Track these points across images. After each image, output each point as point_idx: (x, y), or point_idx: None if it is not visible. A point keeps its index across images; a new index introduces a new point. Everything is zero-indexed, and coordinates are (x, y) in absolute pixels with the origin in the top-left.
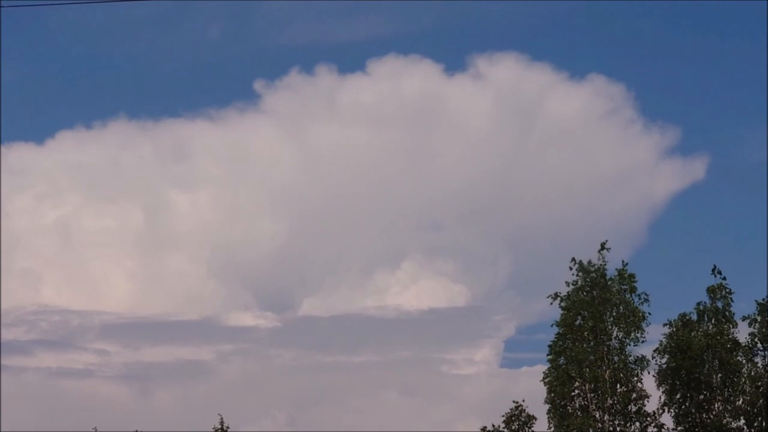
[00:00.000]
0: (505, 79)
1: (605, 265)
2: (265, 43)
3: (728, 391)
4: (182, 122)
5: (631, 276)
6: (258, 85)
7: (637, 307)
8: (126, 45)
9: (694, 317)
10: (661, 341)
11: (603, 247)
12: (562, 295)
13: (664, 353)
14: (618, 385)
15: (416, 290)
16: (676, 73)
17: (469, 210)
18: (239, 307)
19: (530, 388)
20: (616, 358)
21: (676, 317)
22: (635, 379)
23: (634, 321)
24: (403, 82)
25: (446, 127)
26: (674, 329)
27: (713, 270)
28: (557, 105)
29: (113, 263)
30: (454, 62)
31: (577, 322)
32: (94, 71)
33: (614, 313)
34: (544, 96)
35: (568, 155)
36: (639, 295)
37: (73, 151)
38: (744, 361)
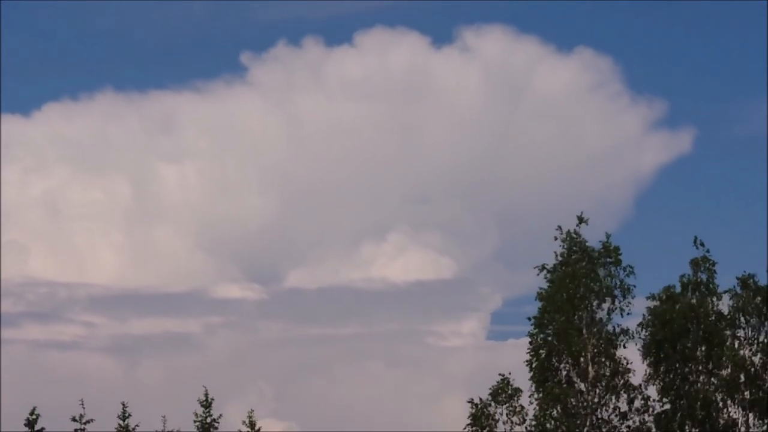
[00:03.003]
0: (493, 52)
1: (584, 239)
2: (252, 14)
3: (712, 364)
4: (169, 94)
5: (616, 249)
6: (245, 58)
7: (622, 280)
8: (112, 16)
9: (678, 290)
10: (644, 315)
11: (581, 220)
12: (548, 267)
13: (648, 326)
14: (603, 358)
15: (403, 262)
16: (663, 46)
17: (456, 183)
18: (226, 280)
19: (517, 360)
20: (596, 330)
21: (660, 290)
22: (618, 351)
23: (618, 294)
24: (390, 54)
25: (433, 100)
26: (657, 302)
27: (695, 241)
28: (545, 78)
29: (100, 236)
30: (441, 35)
31: (562, 295)
32: (81, 43)
33: (598, 287)
34: (532, 69)
35: (555, 128)
36: (624, 268)
37: (59, 123)
38: (728, 334)
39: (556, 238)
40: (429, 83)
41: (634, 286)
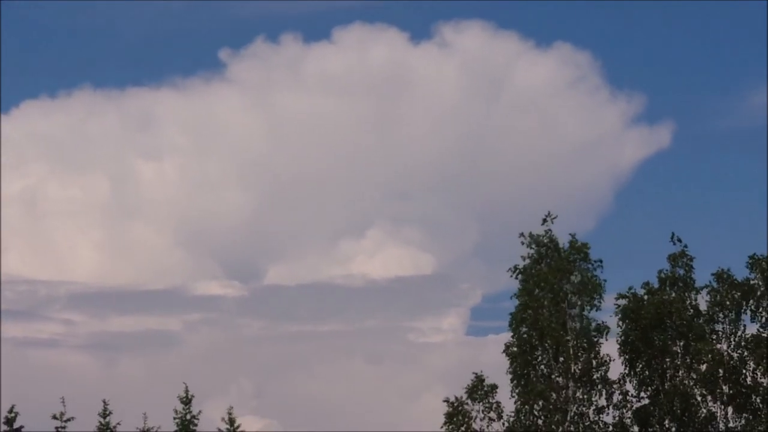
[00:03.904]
0: (471, 47)
1: (555, 236)
2: (230, 10)
3: (690, 359)
4: (148, 91)
5: (584, 245)
6: (223, 54)
7: (594, 275)
8: (90, 13)
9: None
10: (616, 311)
11: (546, 219)
12: (520, 267)
13: (623, 322)
14: (581, 353)
15: (383, 258)
16: (642, 41)
17: (435, 179)
18: (206, 277)
19: (496, 355)
20: (576, 325)
21: (640, 285)
22: (596, 346)
23: (591, 289)
24: (368, 50)
25: (412, 96)
26: (628, 299)
27: (672, 237)
28: (524, 74)
29: (80, 233)
30: (419, 31)
31: (536, 293)
32: (59, 41)
33: (572, 282)
34: (511, 65)
35: (535, 123)
36: (593, 263)
37: (38, 120)
38: (706, 329)
39: (522, 243)
40: (408, 79)
41: (605, 281)
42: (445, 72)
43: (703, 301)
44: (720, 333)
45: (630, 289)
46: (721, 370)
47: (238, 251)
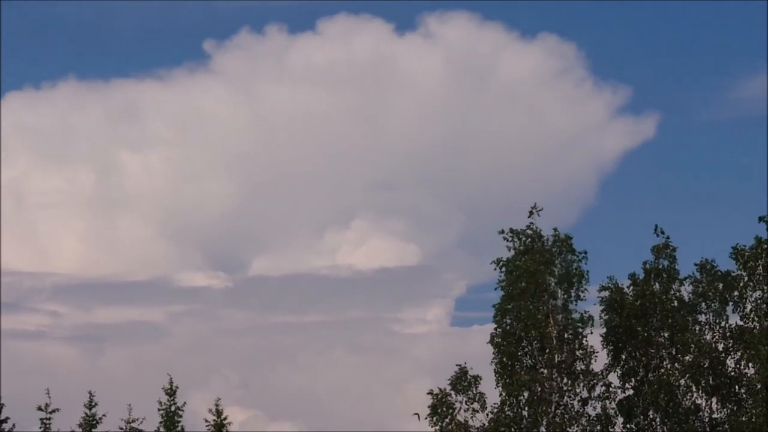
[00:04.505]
0: (456, 38)
1: (539, 229)
2: (215, 2)
3: (675, 349)
4: (132, 83)
5: (567, 237)
6: (208, 45)
7: (577, 266)
8: (74, 4)
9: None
10: (600, 302)
11: (532, 211)
12: (504, 260)
13: (606, 313)
14: (565, 344)
15: (367, 249)
16: (627, 32)
17: (420, 170)
18: (191, 268)
19: (481, 346)
20: (560, 317)
21: (626, 276)
22: (581, 337)
23: (575, 280)
24: (353, 41)
25: (397, 87)
26: (610, 290)
27: (655, 230)
28: (509, 65)
29: (64, 224)
30: (404, 22)
31: (521, 284)
32: (43, 32)
33: (556, 274)
34: (496, 56)
35: (519, 115)
36: (578, 254)
37: (22, 112)
38: (690, 320)
39: (505, 239)
40: (393, 70)
41: (588, 271)
42: (430, 63)
43: (686, 292)
44: (703, 323)
45: (612, 279)
46: (705, 361)
47: (223, 242)
